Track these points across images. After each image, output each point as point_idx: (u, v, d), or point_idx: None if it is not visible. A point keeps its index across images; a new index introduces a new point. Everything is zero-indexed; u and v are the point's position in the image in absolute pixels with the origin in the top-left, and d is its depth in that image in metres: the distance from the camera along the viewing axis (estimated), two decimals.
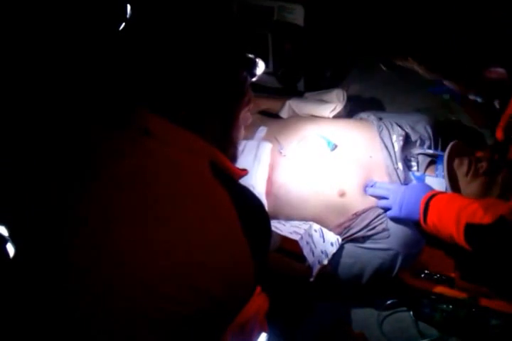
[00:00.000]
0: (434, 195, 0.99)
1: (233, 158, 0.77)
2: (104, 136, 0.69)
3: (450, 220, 0.92)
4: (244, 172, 0.74)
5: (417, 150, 1.18)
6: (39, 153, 0.83)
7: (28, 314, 0.57)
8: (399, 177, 1.12)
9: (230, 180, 0.69)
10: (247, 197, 0.69)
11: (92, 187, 0.64)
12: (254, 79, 0.77)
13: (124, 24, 1.06)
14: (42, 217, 0.64)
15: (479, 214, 0.88)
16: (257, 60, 0.76)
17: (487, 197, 1.03)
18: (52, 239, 0.61)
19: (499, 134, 0.87)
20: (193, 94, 0.70)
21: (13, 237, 0.65)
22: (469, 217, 0.89)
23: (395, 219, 1.05)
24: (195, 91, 0.70)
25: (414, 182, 1.14)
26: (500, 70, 0.82)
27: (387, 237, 1.05)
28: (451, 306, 0.99)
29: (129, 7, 1.08)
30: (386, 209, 1.06)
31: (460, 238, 0.90)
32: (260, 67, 0.77)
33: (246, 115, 0.78)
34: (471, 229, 0.89)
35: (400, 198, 1.02)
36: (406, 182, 1.12)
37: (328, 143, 1.13)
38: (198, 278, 0.59)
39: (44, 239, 0.62)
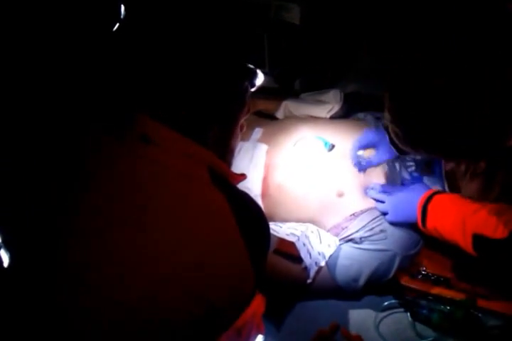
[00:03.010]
0: (431, 196, 0.96)
1: (230, 164, 0.79)
2: (103, 142, 0.70)
3: (455, 227, 0.89)
4: (242, 177, 0.75)
5: None
6: (36, 157, 0.83)
7: (22, 325, 0.57)
8: (396, 178, 1.11)
9: (229, 186, 0.70)
10: (246, 202, 0.69)
11: (88, 194, 0.64)
12: (253, 89, 0.78)
13: (118, 25, 1.05)
14: (37, 223, 0.64)
15: (490, 226, 0.84)
16: (257, 70, 0.77)
17: (489, 197, 1.00)
18: (48, 247, 0.61)
19: None
20: (195, 101, 0.70)
21: (7, 243, 0.65)
22: (477, 227, 0.86)
23: (393, 223, 1.04)
24: (196, 99, 0.70)
25: (410, 181, 1.14)
26: None
27: (385, 239, 1.04)
28: (448, 307, 0.98)
29: (122, 7, 1.07)
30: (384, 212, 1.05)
31: (468, 247, 0.88)
32: (260, 78, 0.79)
33: (242, 123, 0.79)
34: (481, 241, 0.85)
35: (395, 203, 1.02)
36: (404, 182, 1.11)
37: (325, 143, 1.13)
38: (197, 285, 0.59)
39: (39, 247, 0.62)
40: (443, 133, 0.71)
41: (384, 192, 1.05)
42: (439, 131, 0.71)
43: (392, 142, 0.86)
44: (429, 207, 0.95)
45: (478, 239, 0.86)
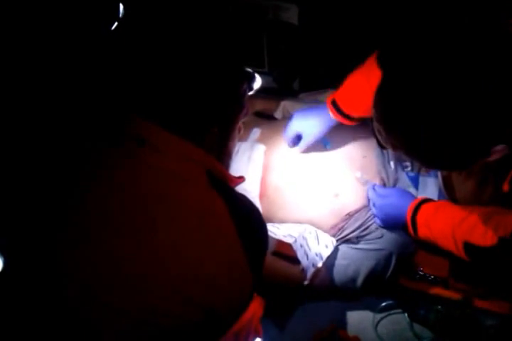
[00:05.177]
0: (418, 206, 0.96)
1: (228, 167, 0.78)
2: (100, 146, 0.69)
3: (445, 237, 0.90)
4: (240, 179, 0.75)
5: None
6: (33, 161, 0.83)
7: (18, 332, 0.57)
8: (391, 177, 1.12)
9: (227, 189, 0.69)
10: (245, 206, 0.69)
11: (86, 199, 0.63)
12: (251, 92, 0.78)
13: (116, 24, 1.04)
14: (35, 227, 0.63)
15: (478, 234, 0.84)
16: (255, 73, 0.77)
17: (484, 195, 1.00)
18: (46, 253, 0.61)
19: (506, 187, 0.78)
20: (193, 103, 0.69)
21: (2, 248, 0.64)
22: (466, 235, 0.86)
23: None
24: (194, 101, 0.69)
25: (406, 181, 1.14)
26: (501, 147, 0.68)
27: (381, 237, 1.05)
28: (445, 307, 0.99)
29: (121, 6, 1.06)
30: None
31: (461, 254, 0.89)
32: (258, 82, 0.79)
33: (240, 126, 0.78)
34: (472, 249, 0.86)
35: (384, 213, 1.02)
36: (398, 182, 1.12)
37: (326, 143, 1.13)
38: (196, 292, 0.59)
39: (36, 253, 0.61)
40: (440, 144, 0.69)
41: (378, 194, 1.05)
42: (424, 137, 0.69)
43: (374, 135, 0.83)
44: (418, 218, 0.95)
45: (469, 248, 0.86)
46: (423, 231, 0.95)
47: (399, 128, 0.71)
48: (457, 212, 0.90)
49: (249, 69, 0.77)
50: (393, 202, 1.01)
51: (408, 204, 0.97)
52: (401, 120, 0.70)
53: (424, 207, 0.96)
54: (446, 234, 0.89)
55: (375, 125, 0.77)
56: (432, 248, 1.01)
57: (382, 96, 0.73)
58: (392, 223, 1.03)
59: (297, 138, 1.12)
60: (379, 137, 0.79)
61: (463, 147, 0.69)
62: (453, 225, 0.88)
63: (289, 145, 1.13)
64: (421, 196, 1.02)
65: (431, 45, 0.71)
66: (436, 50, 0.69)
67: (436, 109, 0.67)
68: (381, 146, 0.82)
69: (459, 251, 0.88)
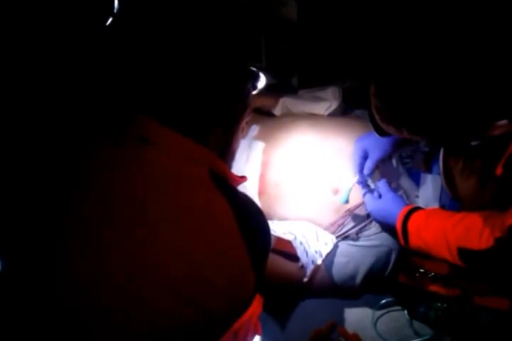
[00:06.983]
0: (408, 216, 0.95)
1: (230, 166, 0.78)
2: (102, 145, 0.68)
3: (439, 245, 0.89)
4: (243, 179, 0.75)
5: (412, 147, 1.17)
6: (33, 161, 0.82)
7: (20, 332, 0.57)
8: (393, 175, 1.11)
9: (230, 188, 0.69)
10: (247, 206, 0.69)
11: (86, 200, 0.63)
12: (255, 92, 0.77)
13: (111, 19, 1.03)
14: (33, 229, 0.63)
15: (473, 237, 0.83)
16: (260, 73, 0.77)
17: (486, 194, 0.99)
18: (45, 255, 0.60)
19: (499, 170, 0.77)
20: (197, 102, 0.69)
21: (0, 249, 0.64)
22: (460, 240, 0.85)
23: None
24: (198, 100, 0.69)
25: (407, 179, 1.14)
26: (504, 123, 0.68)
27: (381, 231, 1.04)
28: (445, 304, 0.99)
29: (116, 1, 1.05)
30: None
31: (456, 261, 0.88)
32: (262, 81, 0.78)
33: (243, 125, 0.78)
34: (467, 254, 0.84)
35: (373, 217, 1.03)
36: (399, 180, 1.11)
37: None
38: (196, 293, 0.59)
39: (36, 254, 0.61)
40: (432, 111, 0.69)
41: (370, 197, 1.04)
42: (428, 109, 0.69)
43: (372, 121, 0.82)
44: (409, 227, 0.94)
45: (463, 253, 0.85)
46: (415, 241, 0.94)
47: (403, 95, 0.70)
48: (448, 217, 0.90)
49: (254, 68, 0.76)
50: (383, 208, 1.00)
51: (398, 213, 0.96)
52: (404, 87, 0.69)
53: (414, 215, 0.95)
54: (439, 241, 0.88)
55: (375, 104, 0.75)
56: None
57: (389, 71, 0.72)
58: (386, 229, 1.03)
59: (364, 159, 1.06)
60: (378, 118, 0.77)
61: (466, 116, 0.68)
62: (446, 231, 0.88)
63: (356, 169, 1.06)
64: (411, 204, 1.01)
65: (430, 37, 0.71)
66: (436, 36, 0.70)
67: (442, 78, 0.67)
68: (380, 132, 0.81)
69: (454, 258, 0.88)
